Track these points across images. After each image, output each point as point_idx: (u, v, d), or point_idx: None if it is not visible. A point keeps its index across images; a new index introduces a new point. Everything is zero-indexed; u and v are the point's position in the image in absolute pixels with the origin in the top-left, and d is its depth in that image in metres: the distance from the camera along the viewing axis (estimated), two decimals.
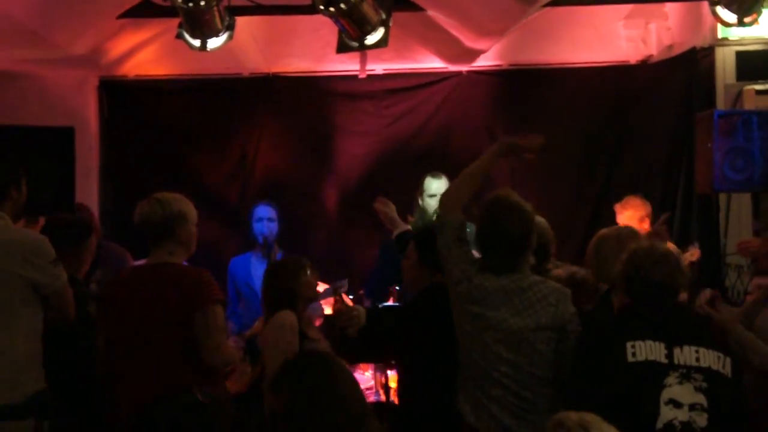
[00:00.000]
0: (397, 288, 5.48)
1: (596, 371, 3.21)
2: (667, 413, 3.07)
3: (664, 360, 3.12)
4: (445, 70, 7.41)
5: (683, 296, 3.73)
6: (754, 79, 6.37)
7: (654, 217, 6.18)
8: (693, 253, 5.83)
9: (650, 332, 3.16)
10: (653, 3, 6.44)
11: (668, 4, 6.67)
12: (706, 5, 5.44)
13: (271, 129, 7.44)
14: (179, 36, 5.05)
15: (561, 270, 4.36)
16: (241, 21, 5.12)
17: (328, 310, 5.66)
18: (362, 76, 7.04)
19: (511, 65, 7.39)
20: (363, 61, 6.71)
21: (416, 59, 7.30)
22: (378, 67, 7.25)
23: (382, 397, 5.32)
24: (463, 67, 7.36)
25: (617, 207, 6.27)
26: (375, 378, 5.61)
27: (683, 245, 5.88)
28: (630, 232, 4.26)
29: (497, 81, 7.43)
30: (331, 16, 4.77)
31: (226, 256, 6.83)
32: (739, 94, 6.27)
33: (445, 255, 3.62)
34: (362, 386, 5.47)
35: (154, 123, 7.37)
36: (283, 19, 6.27)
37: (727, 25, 5.48)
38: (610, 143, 7.34)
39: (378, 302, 5.33)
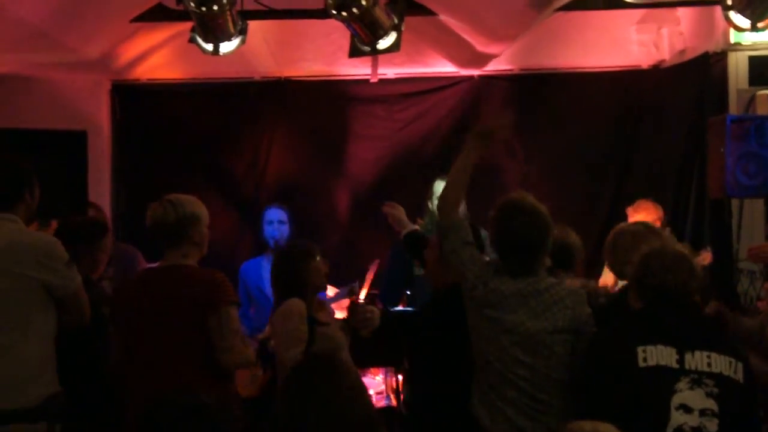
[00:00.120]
0: (408, 293, 5.48)
1: (607, 376, 3.19)
2: (677, 418, 3.05)
3: (675, 365, 3.10)
4: (456, 74, 7.41)
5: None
6: (767, 84, 6.36)
7: (666, 221, 6.17)
8: (705, 257, 5.81)
9: (662, 337, 3.15)
10: (665, 8, 6.43)
11: (681, 9, 6.66)
12: (718, 10, 5.42)
13: (283, 133, 7.45)
14: (192, 40, 5.07)
15: (576, 281, 4.34)
16: (253, 25, 5.13)
17: (339, 314, 5.66)
18: (374, 80, 7.05)
19: (523, 70, 7.38)
20: (375, 66, 6.72)
21: (428, 63, 7.30)
22: (390, 71, 7.26)
23: (393, 402, 5.32)
24: (475, 72, 7.35)
25: (629, 210, 6.26)
26: (386, 382, 5.62)
27: (695, 250, 5.86)
28: (647, 229, 4.23)
29: (509, 85, 7.43)
30: (343, 20, 4.78)
31: (238, 258, 6.85)
32: (752, 99, 6.26)
33: (454, 260, 3.60)
34: (373, 390, 5.52)
35: (166, 127, 7.39)
36: (295, 23, 6.29)
37: (740, 29, 5.47)
38: (622, 148, 7.33)
39: (389, 306, 5.33)
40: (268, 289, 5.64)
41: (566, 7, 5.78)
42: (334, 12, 4.69)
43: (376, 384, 5.67)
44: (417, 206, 5.78)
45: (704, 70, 6.70)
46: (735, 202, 6.11)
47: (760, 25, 5.29)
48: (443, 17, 6.21)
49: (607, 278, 6.41)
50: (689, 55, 6.89)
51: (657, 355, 3.12)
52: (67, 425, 3.84)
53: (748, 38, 6.39)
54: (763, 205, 6.09)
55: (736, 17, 5.17)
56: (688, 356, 3.11)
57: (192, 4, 4.61)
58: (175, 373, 3.65)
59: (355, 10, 4.66)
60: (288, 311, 4.07)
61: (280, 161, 7.45)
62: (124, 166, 7.35)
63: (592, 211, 7.30)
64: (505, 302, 3.44)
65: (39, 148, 4.98)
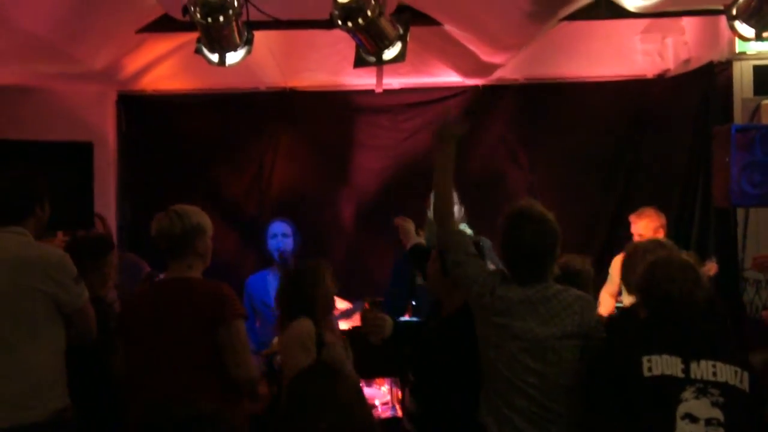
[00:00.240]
0: (413, 303, 5.47)
1: (612, 385, 3.19)
2: (683, 428, 3.04)
3: (680, 374, 3.10)
4: (461, 84, 7.42)
5: None
6: None
7: (669, 230, 6.17)
8: (710, 268, 5.81)
9: (667, 346, 3.14)
10: (670, 17, 6.43)
11: (685, 19, 6.66)
12: (723, 19, 5.42)
13: (288, 143, 7.47)
14: (198, 51, 5.07)
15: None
16: (258, 36, 5.14)
17: (343, 325, 5.66)
18: (379, 90, 7.05)
19: (527, 79, 7.39)
20: (380, 76, 6.72)
21: (433, 73, 7.31)
22: (394, 81, 7.27)
23: (399, 412, 5.31)
24: (480, 81, 7.36)
25: (632, 217, 6.26)
26: (391, 393, 5.60)
27: (700, 260, 5.86)
28: (656, 245, 4.22)
29: (514, 95, 7.44)
30: (348, 31, 4.78)
31: (243, 269, 6.86)
32: (757, 109, 6.26)
33: (459, 273, 3.60)
34: (378, 401, 5.51)
35: (172, 137, 7.41)
36: (300, 33, 6.29)
37: (745, 39, 5.46)
38: (628, 157, 7.33)
39: (395, 317, 5.32)
40: (274, 303, 5.65)
41: (571, 17, 5.77)
42: (340, 23, 4.69)
43: (382, 394, 5.65)
44: (422, 216, 5.77)
45: (709, 80, 6.71)
46: (740, 211, 6.10)
47: (765, 34, 5.27)
48: (448, 27, 6.21)
49: (609, 289, 6.43)
50: (694, 65, 6.89)
51: (662, 364, 3.11)
52: None
53: (753, 47, 6.39)
54: None
55: (741, 27, 5.17)
56: (693, 365, 3.11)
57: (198, 15, 4.61)
58: (182, 386, 3.64)
59: (360, 20, 4.65)
60: (298, 332, 4.07)
61: (285, 171, 7.46)
62: (130, 176, 7.37)
63: (596, 219, 7.30)
64: (513, 309, 3.44)
65: (45, 159, 5.00)
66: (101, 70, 6.33)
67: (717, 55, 6.60)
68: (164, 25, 5.85)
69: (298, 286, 4.26)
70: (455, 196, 5.38)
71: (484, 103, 7.41)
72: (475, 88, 7.41)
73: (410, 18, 5.29)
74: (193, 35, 5.10)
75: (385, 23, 4.90)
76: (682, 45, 6.99)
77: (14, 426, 3.62)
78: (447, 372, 3.77)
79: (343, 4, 4.61)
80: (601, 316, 3.66)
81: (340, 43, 6.33)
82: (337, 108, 7.44)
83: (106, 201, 6.89)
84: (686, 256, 3.64)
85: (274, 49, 6.71)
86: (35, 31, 5.23)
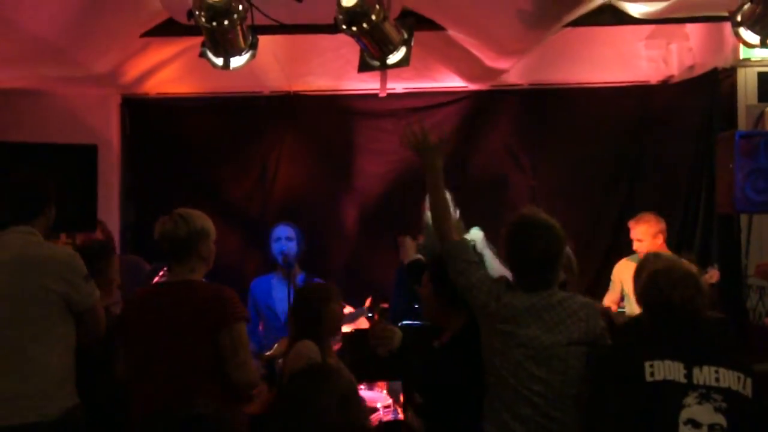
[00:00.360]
0: (416, 306, 5.46)
1: (615, 391, 3.19)
2: None
3: (682, 380, 3.10)
4: (465, 89, 7.43)
5: None
6: None
7: (672, 236, 6.16)
8: (712, 275, 5.81)
9: (669, 352, 3.14)
10: (674, 24, 6.43)
11: (690, 25, 6.66)
12: (728, 26, 5.41)
13: (292, 147, 7.48)
14: (202, 54, 5.07)
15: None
16: (263, 40, 5.14)
17: (345, 329, 5.67)
18: (382, 94, 7.07)
19: (531, 85, 7.39)
20: (383, 80, 6.74)
21: (436, 78, 7.32)
22: (398, 85, 7.28)
23: (401, 416, 5.30)
24: (483, 86, 7.37)
25: (631, 223, 6.28)
26: (392, 396, 5.60)
27: (703, 266, 5.85)
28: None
29: (518, 100, 7.44)
30: (353, 35, 4.78)
31: (246, 272, 6.87)
32: (761, 115, 6.25)
33: (462, 283, 3.58)
34: (380, 404, 5.51)
35: (176, 141, 7.43)
36: (304, 38, 6.31)
37: (749, 46, 5.45)
38: (631, 163, 7.33)
39: (398, 320, 5.32)
40: (278, 307, 5.66)
41: (575, 23, 5.78)
42: (344, 27, 4.69)
43: (384, 397, 5.66)
44: (422, 220, 5.78)
45: (713, 86, 6.70)
46: (744, 218, 6.09)
47: None
48: (452, 32, 6.22)
49: (611, 297, 6.43)
50: (698, 71, 6.89)
51: (664, 369, 3.12)
52: None
53: (758, 54, 6.38)
54: None
55: (745, 33, 5.16)
56: (695, 371, 3.11)
57: (203, 19, 4.61)
58: (182, 387, 3.65)
59: (365, 25, 4.65)
60: (301, 354, 4.09)
61: (288, 175, 7.47)
62: (133, 179, 7.39)
63: (599, 225, 7.30)
64: (518, 317, 3.43)
65: (49, 161, 5.01)
66: (106, 73, 6.36)
67: (721, 62, 6.59)
68: (169, 29, 5.86)
69: (305, 305, 4.29)
70: (452, 201, 5.39)
71: (488, 107, 7.42)
72: (479, 92, 7.41)
73: (414, 23, 5.29)
74: (198, 39, 5.10)
75: (389, 28, 4.90)
76: (687, 51, 6.99)
77: (26, 424, 3.65)
78: (454, 394, 3.75)
79: (348, 9, 4.61)
80: (606, 323, 3.64)
81: (344, 47, 6.34)
82: (340, 112, 7.45)
83: (110, 204, 6.91)
84: (686, 256, 3.63)
85: (278, 54, 6.72)
86: (40, 35, 5.25)
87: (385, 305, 5.77)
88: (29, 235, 3.84)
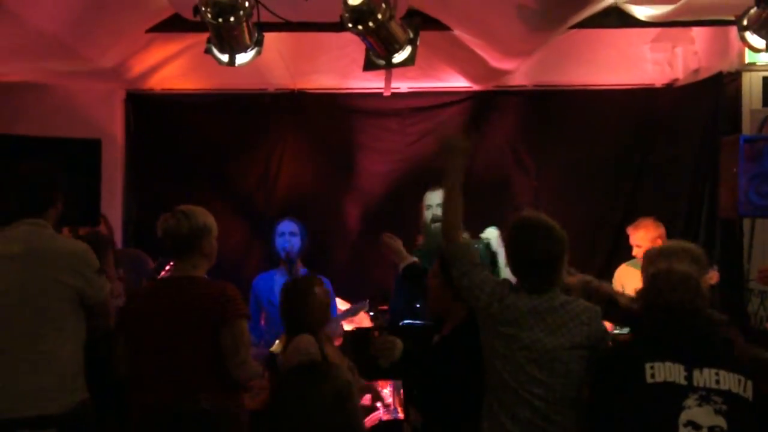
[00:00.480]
0: (417, 305, 5.46)
1: (615, 392, 3.20)
2: None
3: (683, 382, 3.10)
4: (469, 89, 7.43)
5: None
6: None
7: (673, 238, 6.15)
8: (711, 277, 5.80)
9: (669, 354, 3.15)
10: (680, 27, 6.43)
11: (695, 29, 6.66)
12: (733, 30, 5.42)
13: (295, 145, 7.48)
14: (207, 51, 5.07)
15: (574, 278, 4.30)
16: (268, 37, 5.14)
17: (347, 326, 5.67)
18: (387, 93, 7.06)
19: (536, 86, 7.39)
20: (388, 79, 6.73)
21: (441, 78, 7.31)
22: (403, 85, 7.28)
23: (401, 415, 5.30)
24: (488, 87, 7.37)
25: (629, 229, 6.29)
26: (393, 395, 5.60)
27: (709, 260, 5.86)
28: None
29: (522, 101, 7.44)
30: (358, 33, 4.78)
31: (248, 269, 6.88)
32: (766, 120, 6.24)
33: (466, 284, 3.58)
34: (380, 403, 5.50)
35: (179, 136, 7.43)
36: (309, 35, 6.30)
37: (755, 50, 5.47)
38: (635, 166, 7.33)
39: (398, 320, 5.32)
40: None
41: (580, 25, 5.77)
42: (350, 25, 4.69)
43: (384, 396, 5.65)
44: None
45: (718, 90, 6.70)
46: (747, 222, 6.10)
47: None
48: (457, 32, 6.22)
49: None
50: (703, 75, 6.89)
51: (665, 371, 3.12)
52: None
53: (763, 58, 6.39)
54: None
55: (751, 37, 5.17)
56: (696, 373, 3.11)
57: (209, 16, 4.61)
58: (182, 383, 3.66)
59: (370, 23, 4.65)
60: (299, 348, 4.10)
61: (291, 173, 7.47)
62: (137, 174, 7.39)
63: (602, 228, 7.29)
64: (521, 319, 3.44)
65: (53, 155, 5.01)
66: (111, 68, 6.35)
67: (726, 66, 6.59)
68: (174, 24, 5.86)
69: (290, 302, 4.32)
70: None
71: (492, 108, 7.42)
72: (483, 93, 7.41)
73: (420, 22, 5.29)
74: (203, 35, 5.11)
75: (395, 27, 4.90)
76: (692, 55, 6.99)
77: (40, 416, 3.68)
78: (450, 387, 3.76)
79: (354, 7, 4.61)
80: (607, 327, 3.66)
81: (349, 45, 6.34)
82: (344, 110, 7.45)
83: (113, 198, 6.91)
84: (694, 248, 3.63)
85: (283, 51, 6.72)
86: (46, 29, 5.25)
87: (384, 306, 5.79)
88: (41, 228, 3.86)
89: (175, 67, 7.05)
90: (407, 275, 4.53)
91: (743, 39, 5.22)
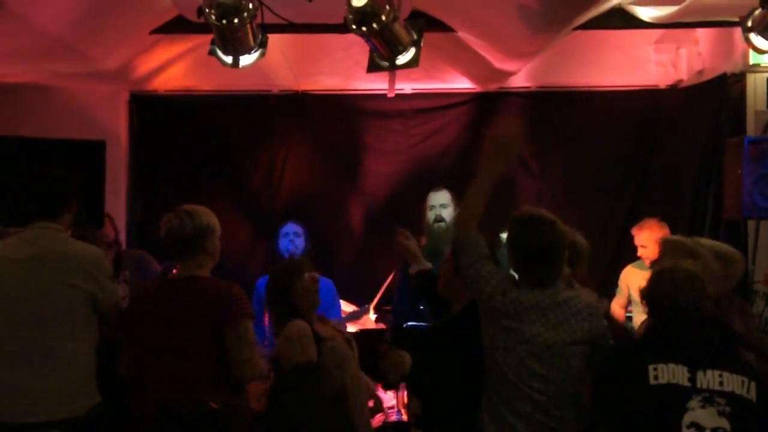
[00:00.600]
0: (421, 307, 5.47)
1: (618, 393, 3.20)
2: None
3: (686, 383, 3.10)
4: (473, 90, 7.43)
5: None
6: None
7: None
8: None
9: (673, 355, 3.15)
10: (684, 28, 6.42)
11: (699, 30, 6.66)
12: (738, 31, 5.41)
13: (299, 146, 7.49)
14: (211, 52, 5.07)
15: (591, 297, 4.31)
16: (272, 39, 5.14)
17: (351, 328, 5.67)
18: (391, 95, 7.06)
19: (540, 87, 7.39)
20: (392, 81, 6.73)
21: (445, 79, 7.31)
22: (407, 86, 7.28)
23: (404, 417, 5.30)
24: (492, 88, 7.36)
25: (634, 230, 6.28)
26: (397, 397, 5.60)
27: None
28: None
29: (526, 102, 7.44)
30: (362, 35, 4.78)
31: (252, 269, 6.88)
32: None
33: (472, 274, 3.61)
34: (384, 405, 5.49)
35: (184, 138, 7.44)
36: (313, 37, 6.31)
37: (759, 51, 5.45)
38: (639, 167, 7.32)
39: (402, 322, 5.33)
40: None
41: (585, 26, 5.77)
42: (354, 27, 4.69)
43: (388, 398, 5.65)
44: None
45: (722, 91, 6.69)
46: (751, 223, 6.09)
47: None
48: (461, 34, 6.21)
49: (619, 301, 6.42)
50: (707, 76, 6.88)
51: (668, 373, 3.12)
52: None
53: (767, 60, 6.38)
54: None
55: (756, 39, 5.15)
56: (699, 375, 3.11)
57: (213, 17, 4.61)
58: (188, 383, 3.66)
59: (374, 25, 4.65)
60: (293, 334, 4.08)
61: (295, 174, 7.48)
62: (141, 176, 7.40)
63: (606, 229, 7.29)
64: (523, 313, 3.46)
65: (58, 156, 5.01)
66: (115, 69, 6.36)
67: (731, 67, 6.58)
68: (178, 26, 5.87)
69: (277, 284, 4.26)
70: (453, 200, 5.39)
71: (496, 109, 7.41)
72: (487, 94, 7.41)
73: (424, 24, 5.28)
74: (207, 37, 5.11)
75: (399, 28, 4.90)
76: (696, 56, 6.98)
77: (54, 420, 3.70)
78: (449, 370, 3.79)
79: (358, 9, 4.60)
80: (608, 325, 3.66)
81: (353, 47, 6.35)
82: (348, 112, 7.45)
83: (117, 200, 6.92)
84: (691, 265, 3.62)
85: (287, 52, 6.72)
86: (50, 31, 5.26)
87: (388, 307, 5.79)
88: (56, 232, 3.87)
89: (179, 69, 7.07)
90: (418, 281, 4.51)
91: (748, 40, 5.21)
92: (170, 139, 7.45)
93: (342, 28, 4.78)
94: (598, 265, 6.80)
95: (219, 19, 4.64)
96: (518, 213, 3.65)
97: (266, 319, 5.79)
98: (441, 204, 5.51)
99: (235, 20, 4.65)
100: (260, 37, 5.04)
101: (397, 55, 5.09)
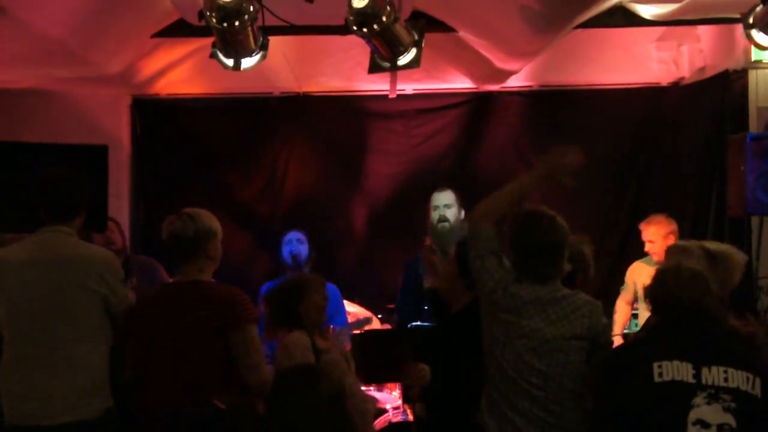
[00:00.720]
0: (425, 308, 5.47)
1: (623, 391, 3.20)
2: None
3: (691, 380, 3.10)
4: (475, 90, 7.43)
5: None
6: None
7: (682, 238, 6.13)
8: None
9: (677, 352, 3.15)
10: (686, 25, 6.42)
11: (701, 27, 6.65)
12: (739, 28, 5.40)
13: (301, 148, 7.49)
14: (213, 55, 5.07)
15: None
16: (273, 41, 5.14)
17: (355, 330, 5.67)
18: (392, 95, 7.06)
19: (541, 86, 7.39)
20: (393, 81, 6.73)
21: (446, 79, 7.31)
22: (408, 87, 7.28)
23: (410, 417, 5.30)
24: (494, 88, 7.36)
25: (642, 225, 6.27)
26: (402, 397, 5.59)
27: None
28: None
29: (528, 102, 7.44)
30: (363, 36, 4.78)
31: (254, 272, 6.89)
32: None
33: (478, 266, 3.62)
34: (389, 405, 5.50)
35: (186, 141, 7.44)
36: (314, 39, 6.31)
37: (761, 48, 5.45)
38: (641, 165, 7.32)
39: (406, 322, 5.33)
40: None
41: (586, 24, 5.77)
42: (355, 28, 4.68)
43: (393, 399, 5.65)
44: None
45: (724, 88, 6.68)
46: (755, 220, 6.08)
47: None
48: (462, 34, 6.21)
49: (625, 297, 6.41)
50: (709, 73, 6.87)
51: (673, 370, 3.12)
52: None
53: None
54: None
55: (757, 35, 5.15)
56: (704, 371, 3.11)
57: (214, 20, 4.61)
58: (193, 385, 3.67)
59: (375, 26, 4.64)
60: (292, 345, 4.09)
61: (298, 176, 7.48)
62: (144, 180, 7.40)
63: (609, 228, 7.28)
64: (523, 308, 3.47)
65: (60, 161, 5.02)
66: (116, 74, 6.36)
67: (732, 64, 6.57)
68: (179, 30, 5.87)
69: (283, 301, 4.30)
70: (456, 200, 5.39)
71: (497, 109, 7.41)
72: (489, 94, 7.40)
73: (425, 24, 5.28)
74: (208, 40, 5.11)
75: (399, 29, 4.89)
76: (698, 53, 6.97)
77: (69, 423, 3.72)
78: (449, 369, 3.79)
79: (359, 10, 4.60)
80: (607, 323, 3.68)
81: (354, 48, 6.35)
82: (350, 113, 7.45)
83: (120, 204, 6.92)
84: (695, 264, 3.62)
85: (288, 55, 6.73)
86: (52, 35, 5.26)
87: (391, 306, 5.79)
88: (67, 235, 3.89)
89: (180, 72, 7.07)
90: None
91: (749, 37, 5.21)
92: (172, 143, 7.45)
93: (343, 30, 4.78)
94: (601, 263, 6.79)
95: (220, 21, 4.64)
96: (518, 211, 3.66)
97: None
98: (445, 204, 5.50)
99: (236, 23, 4.65)
100: (261, 39, 5.04)
101: (399, 55, 5.09)
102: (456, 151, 7.46)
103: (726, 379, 3.10)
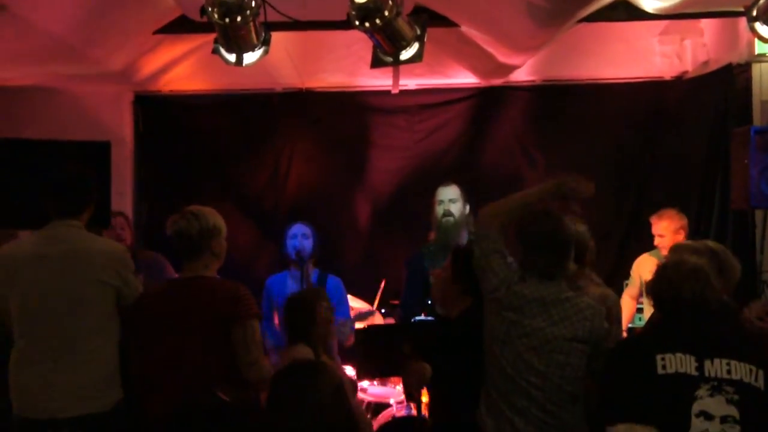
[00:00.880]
0: (429, 302, 5.47)
1: (626, 383, 3.21)
2: (698, 425, 3.06)
3: (694, 372, 3.11)
4: (478, 85, 7.41)
5: None
6: None
7: (690, 231, 6.13)
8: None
9: (680, 345, 3.16)
10: (689, 19, 6.40)
11: (704, 20, 6.63)
12: (742, 21, 5.39)
13: (304, 143, 7.48)
14: (215, 51, 5.07)
15: (597, 288, 4.30)
16: (275, 36, 5.13)
17: (359, 324, 5.67)
18: (395, 91, 7.05)
19: (544, 80, 7.37)
20: (396, 76, 6.72)
21: (449, 74, 7.30)
22: (411, 82, 7.27)
23: (414, 411, 5.30)
24: (496, 83, 7.35)
25: (653, 218, 6.25)
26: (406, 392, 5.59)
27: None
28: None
29: (531, 96, 7.42)
30: (366, 31, 4.77)
31: (258, 268, 6.89)
32: None
33: (483, 265, 3.63)
34: (393, 400, 5.50)
35: (189, 138, 7.44)
36: (317, 34, 6.30)
37: (765, 41, 5.43)
38: (645, 159, 7.30)
39: (410, 316, 5.32)
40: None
41: (589, 18, 5.75)
42: (357, 23, 4.68)
43: (397, 393, 5.65)
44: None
45: (728, 82, 6.67)
46: (758, 213, 6.07)
47: None
48: (465, 28, 6.20)
49: (630, 291, 6.40)
50: (712, 67, 6.86)
51: (676, 362, 3.13)
52: None
53: None
54: None
55: (761, 28, 5.13)
56: (707, 363, 3.12)
57: (215, 16, 4.61)
58: (193, 382, 3.67)
59: (377, 21, 4.64)
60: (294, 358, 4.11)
61: (301, 172, 7.48)
62: (147, 176, 7.41)
63: (613, 222, 7.27)
64: (526, 307, 3.49)
65: (63, 158, 5.02)
66: (119, 70, 6.36)
67: (736, 57, 6.56)
68: (181, 26, 5.87)
69: (294, 314, 4.35)
70: (461, 195, 5.38)
71: (500, 104, 7.40)
72: (492, 89, 7.39)
73: (427, 19, 5.27)
74: (210, 36, 5.11)
75: (402, 24, 4.89)
76: (701, 47, 6.96)
77: (83, 415, 3.76)
78: (450, 372, 3.80)
79: (361, 5, 4.60)
80: (610, 326, 3.69)
81: (357, 43, 6.34)
82: (352, 109, 7.44)
83: (123, 200, 6.92)
84: (696, 259, 3.62)
85: (290, 50, 6.72)
86: (54, 32, 5.26)
87: (396, 302, 5.79)
88: (78, 229, 3.93)
89: (183, 69, 7.06)
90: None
91: (753, 30, 5.19)
92: (175, 139, 7.45)
93: (345, 25, 4.78)
94: (605, 257, 6.79)
95: (222, 17, 4.64)
96: (527, 210, 3.69)
97: (276, 318, 5.82)
98: (450, 199, 5.49)
99: (238, 18, 4.65)
100: (263, 35, 5.04)
101: (401, 50, 5.09)
102: (459, 146, 7.45)
103: (729, 372, 3.11)
